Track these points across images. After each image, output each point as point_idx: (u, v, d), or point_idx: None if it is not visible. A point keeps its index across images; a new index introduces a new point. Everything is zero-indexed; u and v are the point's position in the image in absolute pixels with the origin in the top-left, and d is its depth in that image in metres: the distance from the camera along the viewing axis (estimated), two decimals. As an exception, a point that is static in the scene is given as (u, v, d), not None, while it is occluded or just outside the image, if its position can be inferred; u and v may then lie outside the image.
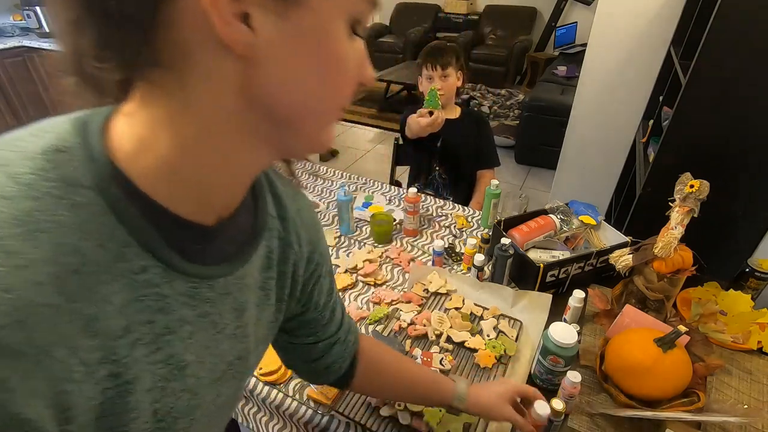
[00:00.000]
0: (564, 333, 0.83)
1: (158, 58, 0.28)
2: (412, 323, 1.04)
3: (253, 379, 0.92)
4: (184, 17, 0.27)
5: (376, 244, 1.36)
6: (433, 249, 1.23)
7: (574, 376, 0.78)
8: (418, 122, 1.52)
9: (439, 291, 1.14)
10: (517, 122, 3.68)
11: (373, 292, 1.15)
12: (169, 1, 0.26)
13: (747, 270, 1.07)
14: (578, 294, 0.99)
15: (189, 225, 0.35)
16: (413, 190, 1.34)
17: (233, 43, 0.28)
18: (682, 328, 0.81)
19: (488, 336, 1.01)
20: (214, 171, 0.34)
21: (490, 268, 1.18)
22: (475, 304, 1.10)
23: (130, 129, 0.31)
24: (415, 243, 1.37)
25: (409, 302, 1.11)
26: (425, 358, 0.94)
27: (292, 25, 0.29)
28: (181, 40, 0.28)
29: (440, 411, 0.82)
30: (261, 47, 0.29)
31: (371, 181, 1.75)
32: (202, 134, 0.31)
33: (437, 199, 1.60)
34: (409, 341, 1.00)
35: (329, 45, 0.31)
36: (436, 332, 1.02)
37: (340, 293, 1.15)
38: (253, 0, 0.27)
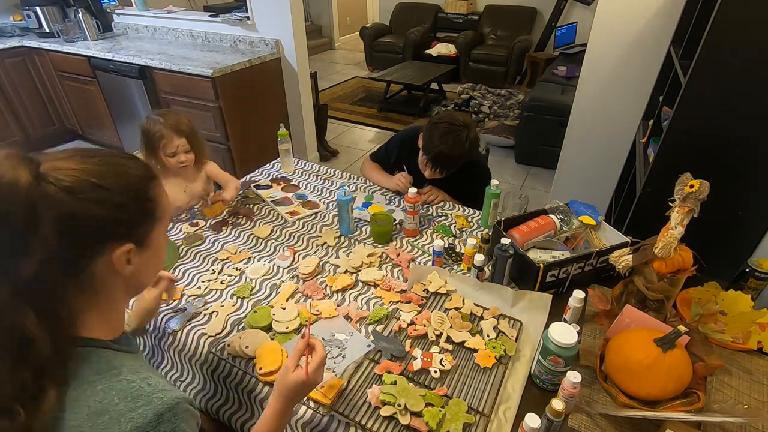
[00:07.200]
0: (564, 333, 0.83)
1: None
2: (412, 323, 1.04)
3: (253, 379, 0.92)
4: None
5: (376, 244, 1.36)
6: (433, 249, 1.23)
7: (574, 376, 0.78)
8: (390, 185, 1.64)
9: (439, 291, 1.14)
10: (517, 122, 3.68)
11: (373, 293, 1.15)
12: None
13: (747, 270, 1.07)
14: (578, 294, 0.99)
15: None
16: (413, 190, 1.34)
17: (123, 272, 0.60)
18: (682, 328, 0.81)
19: (488, 336, 1.01)
20: None
21: (490, 268, 1.18)
22: (475, 305, 1.10)
23: None
24: (415, 243, 1.37)
25: (409, 302, 1.11)
26: (425, 358, 0.94)
27: (146, 252, 0.62)
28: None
29: (440, 411, 0.82)
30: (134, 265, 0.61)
31: (371, 181, 1.74)
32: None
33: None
34: (409, 341, 1.00)
35: (159, 250, 0.66)
36: (436, 332, 1.02)
37: (340, 293, 1.15)
38: (131, 256, 0.59)
